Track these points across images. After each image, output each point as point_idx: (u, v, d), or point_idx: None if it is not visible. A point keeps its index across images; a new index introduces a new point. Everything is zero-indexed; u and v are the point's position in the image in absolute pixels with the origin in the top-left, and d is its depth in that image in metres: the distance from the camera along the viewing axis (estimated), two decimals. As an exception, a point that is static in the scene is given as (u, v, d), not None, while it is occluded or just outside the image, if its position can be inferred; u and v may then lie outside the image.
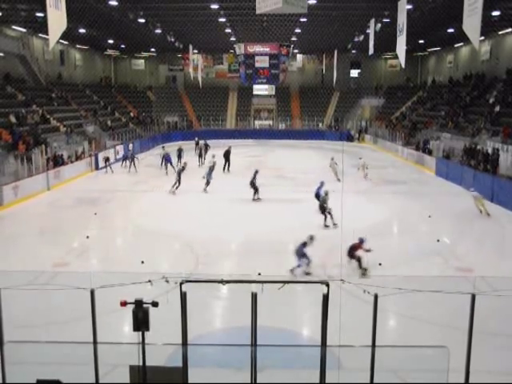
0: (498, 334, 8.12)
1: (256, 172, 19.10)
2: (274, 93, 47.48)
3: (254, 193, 18.79)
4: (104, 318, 6.44)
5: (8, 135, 23.40)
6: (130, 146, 30.51)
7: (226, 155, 25.64)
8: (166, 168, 24.98)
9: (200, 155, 28.05)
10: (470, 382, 6.17)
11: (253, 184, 18.77)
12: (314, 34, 32.94)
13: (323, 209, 15.09)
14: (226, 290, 9.44)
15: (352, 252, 11.18)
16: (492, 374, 6.94)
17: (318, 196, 16.11)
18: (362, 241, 11.20)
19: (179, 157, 26.48)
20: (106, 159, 25.55)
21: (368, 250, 11.09)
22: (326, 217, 15.03)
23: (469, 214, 16.96)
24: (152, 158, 32.72)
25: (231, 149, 26.08)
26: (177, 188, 20.04)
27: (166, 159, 25.46)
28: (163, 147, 29.07)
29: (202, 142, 29.68)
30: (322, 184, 16.49)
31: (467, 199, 19.25)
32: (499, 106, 27.57)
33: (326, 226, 14.89)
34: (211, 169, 20.80)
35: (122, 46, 43.74)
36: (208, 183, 20.24)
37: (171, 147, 30.74)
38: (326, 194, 15.21)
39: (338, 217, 14.30)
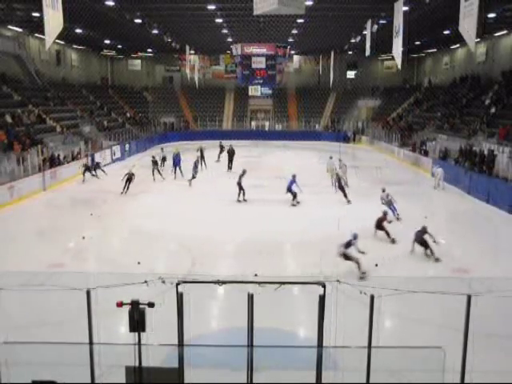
0: (493, 335, 8.15)
1: (243, 172, 19.07)
2: (270, 93, 47.43)
3: (239, 194, 18.73)
4: (100, 318, 6.42)
5: (3, 135, 23.30)
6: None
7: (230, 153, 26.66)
8: (175, 172, 24.00)
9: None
10: (466, 382, 6.19)
11: (239, 184, 18.72)
12: (311, 35, 33.01)
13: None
14: (223, 290, 9.42)
15: (379, 224, 13.39)
16: (487, 374, 6.96)
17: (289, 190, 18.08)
18: (385, 213, 13.65)
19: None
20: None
21: (390, 221, 13.65)
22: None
23: (465, 215, 17.03)
24: (149, 158, 32.61)
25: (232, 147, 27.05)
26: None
27: (175, 162, 24.19)
28: (162, 149, 28.20)
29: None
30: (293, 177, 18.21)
31: (463, 200, 19.38)
32: (495, 108, 27.68)
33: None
34: (196, 164, 22.46)
35: (119, 47, 43.63)
36: (193, 177, 21.73)
37: (167, 148, 30.64)
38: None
39: (335, 217, 14.35)
